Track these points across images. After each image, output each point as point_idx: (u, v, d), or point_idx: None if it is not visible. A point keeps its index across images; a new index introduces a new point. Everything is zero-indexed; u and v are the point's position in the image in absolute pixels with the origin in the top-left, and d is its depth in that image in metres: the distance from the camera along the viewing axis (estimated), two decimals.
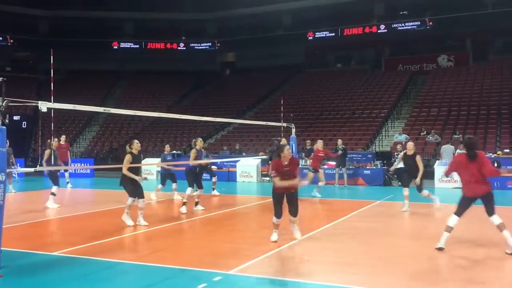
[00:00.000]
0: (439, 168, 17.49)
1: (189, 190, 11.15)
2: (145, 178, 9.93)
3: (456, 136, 22.35)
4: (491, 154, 19.82)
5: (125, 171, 9.18)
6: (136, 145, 9.39)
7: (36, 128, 30.51)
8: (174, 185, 13.62)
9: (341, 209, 11.74)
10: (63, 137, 17.96)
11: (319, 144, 14.55)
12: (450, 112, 26.26)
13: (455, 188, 16.75)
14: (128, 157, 9.21)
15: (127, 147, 9.48)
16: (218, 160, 19.65)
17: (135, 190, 9.30)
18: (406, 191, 11.19)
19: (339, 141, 18.58)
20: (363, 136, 25.45)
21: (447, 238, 7.10)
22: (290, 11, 38.13)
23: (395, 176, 17.46)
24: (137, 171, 9.43)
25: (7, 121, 6.30)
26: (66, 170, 18.07)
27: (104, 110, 9.51)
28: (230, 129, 30.72)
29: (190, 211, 11.10)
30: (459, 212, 7.17)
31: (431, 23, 33.88)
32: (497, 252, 7.13)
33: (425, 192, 11.12)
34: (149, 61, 40.43)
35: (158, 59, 40.35)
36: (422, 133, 23.83)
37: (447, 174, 7.72)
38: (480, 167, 6.99)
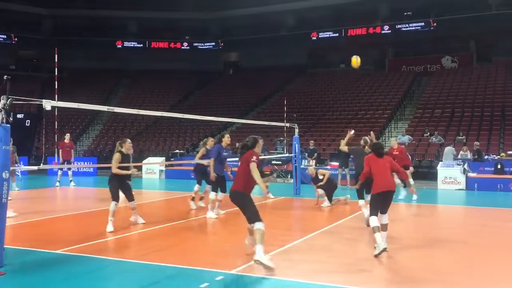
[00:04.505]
0: (441, 170, 17.48)
1: (196, 187, 11.37)
2: (137, 174, 9.66)
3: (459, 137, 22.33)
4: (494, 156, 19.81)
5: (115, 170, 8.76)
6: (128, 144, 9.06)
7: (40, 126, 30.61)
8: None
9: (343, 210, 11.73)
10: (67, 136, 18.00)
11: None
12: (454, 113, 26.21)
13: (458, 189, 16.75)
14: (117, 156, 8.82)
15: (118, 145, 9.10)
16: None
17: (125, 191, 9.06)
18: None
19: (342, 142, 18.53)
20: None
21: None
22: (294, 11, 38.11)
23: None
24: (126, 169, 9.09)
25: (11, 119, 6.32)
26: (69, 169, 18.11)
27: (107, 109, 9.43)
28: (233, 129, 30.73)
29: (188, 212, 11.17)
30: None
31: (435, 24, 33.81)
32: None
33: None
34: (152, 60, 40.48)
35: (162, 58, 40.39)
36: (425, 134, 23.79)
37: None
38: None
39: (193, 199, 11.50)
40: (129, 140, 9.24)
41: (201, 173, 11.27)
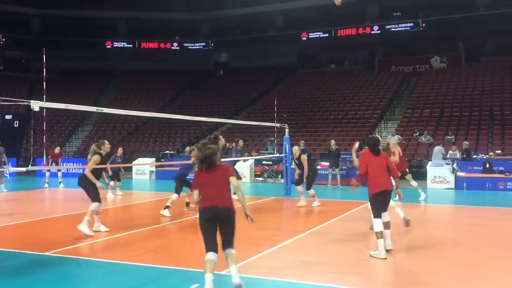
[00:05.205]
0: (431, 169, 17.61)
1: (174, 196, 10.89)
2: (102, 186, 9.06)
3: (448, 137, 22.49)
4: (483, 155, 19.97)
5: (88, 172, 8.45)
6: (107, 146, 8.79)
7: (29, 127, 30.34)
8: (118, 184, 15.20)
9: (334, 210, 11.75)
10: (57, 148, 18.35)
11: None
12: (443, 113, 26.39)
13: (447, 188, 16.87)
14: (96, 158, 8.54)
15: (95, 147, 8.78)
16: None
17: (98, 193, 8.59)
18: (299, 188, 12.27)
19: (332, 142, 18.63)
20: (356, 137, 25.42)
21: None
22: (284, 12, 38.13)
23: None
24: (99, 174, 8.88)
25: None
26: (59, 170, 18.23)
27: (97, 109, 9.38)
28: (224, 129, 30.69)
29: (179, 212, 11.09)
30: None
31: (424, 24, 34.02)
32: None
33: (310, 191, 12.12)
34: (142, 61, 40.32)
35: (152, 58, 40.24)
36: (415, 134, 23.94)
37: None
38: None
39: (167, 207, 10.69)
40: (106, 142, 8.99)
41: (181, 181, 11.13)
